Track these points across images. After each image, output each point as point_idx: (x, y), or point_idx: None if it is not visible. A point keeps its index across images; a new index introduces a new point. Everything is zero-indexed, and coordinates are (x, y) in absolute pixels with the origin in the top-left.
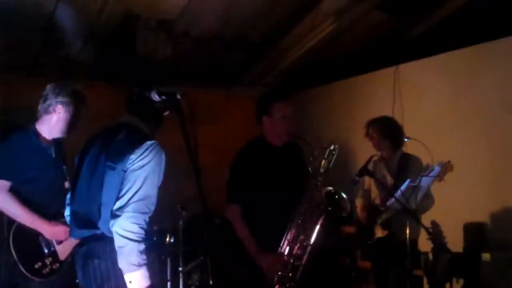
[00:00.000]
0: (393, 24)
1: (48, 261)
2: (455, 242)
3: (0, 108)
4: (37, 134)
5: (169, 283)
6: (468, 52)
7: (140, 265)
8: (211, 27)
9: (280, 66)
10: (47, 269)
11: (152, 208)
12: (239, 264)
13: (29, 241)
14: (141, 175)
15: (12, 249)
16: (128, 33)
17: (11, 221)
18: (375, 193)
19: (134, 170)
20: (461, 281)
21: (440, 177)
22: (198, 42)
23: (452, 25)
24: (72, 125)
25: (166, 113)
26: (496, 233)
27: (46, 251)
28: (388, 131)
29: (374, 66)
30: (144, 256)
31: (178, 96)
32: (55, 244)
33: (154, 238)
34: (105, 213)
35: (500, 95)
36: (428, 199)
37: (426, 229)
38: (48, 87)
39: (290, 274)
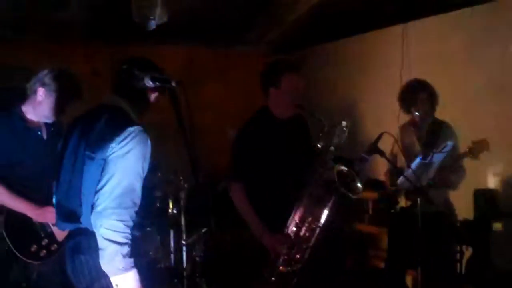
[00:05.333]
0: None
1: (44, 243)
2: (465, 209)
3: None
4: (22, 116)
5: (172, 256)
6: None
7: (126, 269)
8: None
9: (283, 23)
10: (44, 251)
11: (138, 201)
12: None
13: (23, 225)
14: (122, 165)
15: (5, 235)
16: None
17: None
18: None
19: (114, 160)
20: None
21: (474, 155)
22: None
23: None
24: (58, 109)
25: (155, 95)
26: (509, 201)
27: (41, 233)
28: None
29: (382, 24)
30: (130, 259)
31: (173, 84)
32: (51, 225)
33: (158, 205)
34: (86, 207)
35: None
36: (458, 174)
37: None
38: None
39: (297, 256)
